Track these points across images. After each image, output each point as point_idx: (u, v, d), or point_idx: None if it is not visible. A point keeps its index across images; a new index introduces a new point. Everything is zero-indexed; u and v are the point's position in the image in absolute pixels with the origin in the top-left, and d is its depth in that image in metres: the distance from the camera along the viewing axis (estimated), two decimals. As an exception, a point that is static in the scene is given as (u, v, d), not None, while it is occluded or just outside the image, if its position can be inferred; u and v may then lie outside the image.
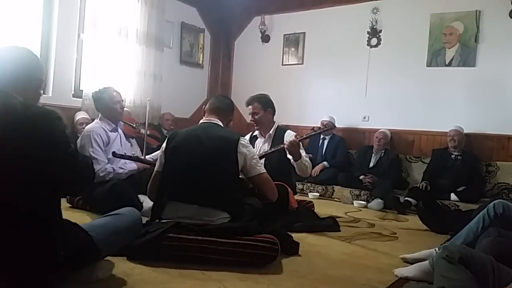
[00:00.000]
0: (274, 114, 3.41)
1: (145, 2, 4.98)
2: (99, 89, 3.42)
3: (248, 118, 3.53)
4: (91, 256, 1.65)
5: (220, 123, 2.49)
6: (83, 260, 1.63)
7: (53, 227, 1.49)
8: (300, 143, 3.26)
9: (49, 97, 4.18)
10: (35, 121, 1.42)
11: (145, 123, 3.86)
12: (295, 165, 3.12)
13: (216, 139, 2.35)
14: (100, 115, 3.40)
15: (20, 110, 1.41)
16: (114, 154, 3.12)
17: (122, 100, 3.51)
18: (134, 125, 3.97)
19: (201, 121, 2.53)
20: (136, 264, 2.00)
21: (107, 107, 3.34)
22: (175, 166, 2.34)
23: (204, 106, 2.64)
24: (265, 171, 2.45)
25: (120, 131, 3.46)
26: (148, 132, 3.74)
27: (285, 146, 2.99)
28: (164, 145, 2.46)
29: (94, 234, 1.63)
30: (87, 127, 3.35)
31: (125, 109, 3.78)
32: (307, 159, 3.20)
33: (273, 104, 3.38)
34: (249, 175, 2.41)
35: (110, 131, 3.33)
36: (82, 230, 1.62)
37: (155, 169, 2.49)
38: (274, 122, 3.42)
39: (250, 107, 3.33)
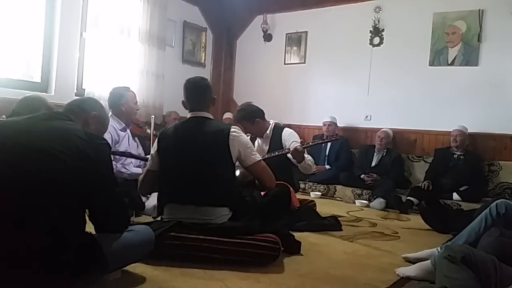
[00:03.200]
0: (263, 116, 3.35)
1: (148, 1, 4.97)
2: (122, 87, 3.47)
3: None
4: (99, 267, 1.63)
5: (208, 115, 2.40)
6: (90, 270, 1.61)
7: (71, 235, 1.51)
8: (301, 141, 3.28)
9: (51, 96, 4.18)
10: (93, 138, 1.60)
11: (149, 122, 3.88)
12: (298, 166, 3.13)
13: (206, 134, 2.29)
14: (111, 112, 3.37)
15: (82, 131, 1.60)
16: (113, 152, 3.11)
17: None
18: (141, 125, 3.99)
19: (189, 115, 2.41)
20: (138, 262, 2.00)
21: (127, 106, 3.36)
22: (168, 167, 2.32)
23: (183, 101, 2.44)
24: (260, 158, 2.42)
25: (128, 130, 3.47)
26: (154, 132, 3.75)
27: (290, 152, 2.98)
28: (155, 144, 2.42)
29: (104, 246, 1.61)
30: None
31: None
32: (310, 157, 3.21)
33: (258, 110, 3.32)
34: (245, 165, 2.38)
35: (120, 130, 3.33)
36: (93, 240, 1.61)
37: (147, 167, 2.48)
38: (269, 123, 3.40)
39: (238, 125, 3.22)
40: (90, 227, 1.68)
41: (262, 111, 3.37)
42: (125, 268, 1.89)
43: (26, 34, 4.20)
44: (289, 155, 3.09)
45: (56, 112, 1.71)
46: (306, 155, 3.15)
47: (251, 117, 3.27)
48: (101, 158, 1.60)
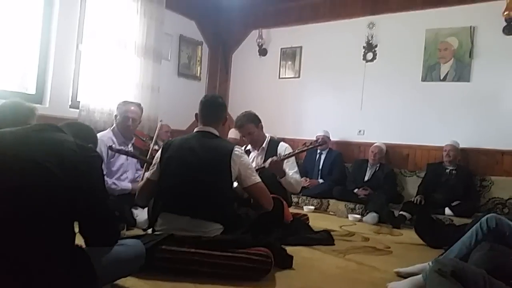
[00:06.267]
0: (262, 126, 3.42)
1: (144, 15, 5.02)
2: (123, 101, 3.52)
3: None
4: (88, 282, 1.62)
5: (215, 131, 2.47)
6: (79, 284, 1.60)
7: (60, 248, 1.50)
8: (294, 158, 3.27)
9: (45, 108, 4.18)
10: (84, 150, 1.59)
11: (153, 137, 3.88)
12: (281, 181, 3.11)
13: (210, 150, 2.35)
14: (114, 125, 3.44)
15: (74, 143, 1.59)
16: (110, 148, 3.11)
17: (138, 119, 3.51)
18: (144, 139, 4.00)
19: (196, 129, 2.51)
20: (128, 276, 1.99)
21: (120, 119, 3.39)
22: (168, 177, 2.34)
23: (196, 113, 2.57)
24: (260, 180, 2.46)
25: (130, 145, 3.47)
26: (156, 147, 3.76)
27: (267, 166, 2.98)
28: (159, 154, 2.46)
29: (94, 259, 1.59)
30: (97, 135, 3.36)
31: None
32: (295, 176, 3.20)
33: (259, 117, 3.39)
34: (244, 185, 2.42)
35: (119, 144, 3.33)
36: (83, 253, 1.60)
37: (147, 176, 2.49)
38: (266, 135, 3.44)
39: (243, 129, 3.29)
40: (80, 240, 1.68)
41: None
42: (115, 282, 1.88)
43: (22, 45, 4.22)
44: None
45: (49, 124, 1.71)
46: (290, 172, 3.16)
47: (256, 120, 3.33)
48: (92, 171, 1.60)
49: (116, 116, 3.46)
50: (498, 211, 4.15)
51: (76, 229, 1.62)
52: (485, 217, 2.34)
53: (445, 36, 4.97)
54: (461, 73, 4.87)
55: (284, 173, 3.07)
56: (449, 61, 4.96)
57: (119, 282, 1.89)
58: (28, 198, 1.42)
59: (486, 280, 1.64)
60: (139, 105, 3.59)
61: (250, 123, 3.29)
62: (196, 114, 2.55)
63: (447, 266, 1.66)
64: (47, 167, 1.45)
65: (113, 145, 3.22)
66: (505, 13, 4.54)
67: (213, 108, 2.52)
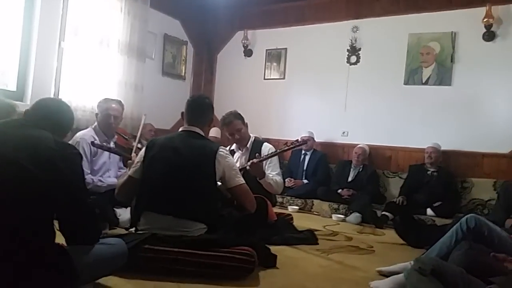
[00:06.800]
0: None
1: (128, 13, 4.98)
2: (104, 98, 3.47)
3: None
4: (69, 280, 1.59)
5: (200, 131, 2.46)
6: (61, 283, 1.57)
7: (41, 247, 1.48)
8: (277, 158, 3.27)
9: (26, 105, 4.10)
10: (63, 148, 1.58)
11: (136, 136, 3.85)
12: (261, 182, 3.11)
13: (194, 149, 2.34)
14: (96, 123, 3.40)
15: (52, 140, 1.56)
16: (93, 143, 3.08)
17: (119, 116, 3.48)
18: (127, 137, 3.96)
19: (181, 128, 2.50)
20: (110, 275, 1.96)
21: (102, 117, 3.36)
22: (152, 176, 2.32)
23: (182, 112, 2.54)
24: (244, 182, 2.46)
25: (112, 143, 3.43)
26: (139, 146, 3.73)
27: (247, 167, 2.99)
28: (142, 152, 2.43)
29: (75, 258, 1.57)
30: (78, 133, 3.32)
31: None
32: (276, 178, 3.20)
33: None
34: (228, 186, 2.41)
35: (101, 142, 3.29)
36: (64, 252, 1.58)
37: (128, 173, 2.46)
38: (250, 135, 3.45)
39: (231, 126, 3.29)
40: (61, 239, 1.65)
41: None
42: (97, 281, 1.86)
43: (2, 41, 4.13)
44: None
45: (26, 120, 1.67)
46: (272, 174, 3.17)
47: (242, 118, 3.35)
48: (72, 168, 1.57)
49: (97, 114, 3.43)
50: (478, 212, 4.24)
51: (57, 227, 1.60)
52: (465, 217, 2.39)
53: (427, 40, 5.06)
54: (443, 77, 4.96)
55: (263, 174, 3.07)
56: (431, 65, 5.05)
57: (101, 281, 1.87)
58: (4, 195, 1.40)
59: (464, 277, 1.67)
60: (120, 102, 3.55)
61: (238, 120, 3.31)
62: (182, 113, 2.54)
63: (427, 265, 1.70)
64: (22, 165, 1.43)
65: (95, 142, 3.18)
66: (485, 20, 4.65)
67: (199, 108, 2.51)
